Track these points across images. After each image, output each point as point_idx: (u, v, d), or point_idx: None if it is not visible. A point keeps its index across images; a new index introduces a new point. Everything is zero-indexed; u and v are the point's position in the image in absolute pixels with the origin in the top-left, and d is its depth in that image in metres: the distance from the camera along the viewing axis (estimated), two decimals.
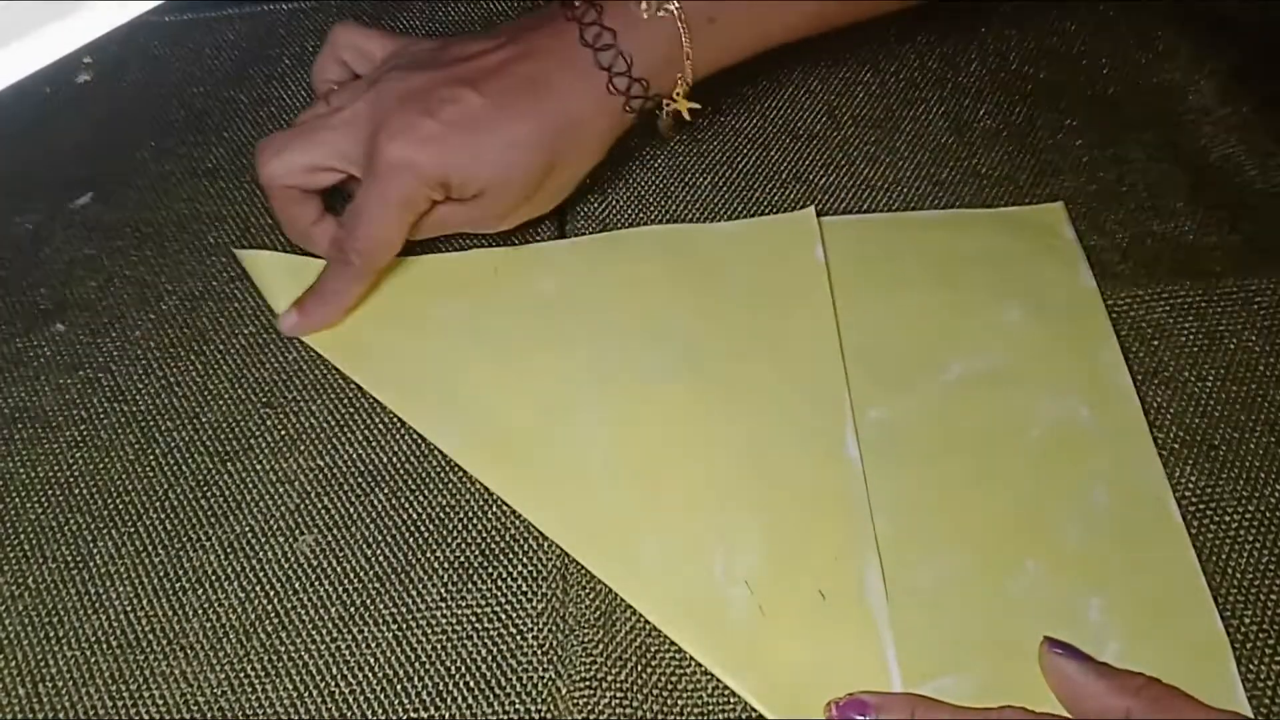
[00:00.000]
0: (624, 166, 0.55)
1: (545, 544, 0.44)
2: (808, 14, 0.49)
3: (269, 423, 0.48)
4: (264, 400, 0.48)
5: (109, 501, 0.45)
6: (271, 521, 0.45)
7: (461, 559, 0.43)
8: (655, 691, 0.40)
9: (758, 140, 0.56)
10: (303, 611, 0.42)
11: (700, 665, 0.40)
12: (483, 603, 0.42)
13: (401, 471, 0.46)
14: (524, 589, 0.43)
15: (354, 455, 0.46)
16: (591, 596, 0.42)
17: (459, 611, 0.42)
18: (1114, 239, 0.51)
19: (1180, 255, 0.51)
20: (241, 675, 0.41)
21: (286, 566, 0.43)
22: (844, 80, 0.59)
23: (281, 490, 0.46)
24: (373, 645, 0.41)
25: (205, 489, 0.46)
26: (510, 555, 0.43)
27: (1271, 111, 0.55)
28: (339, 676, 0.41)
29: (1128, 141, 0.55)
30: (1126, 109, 0.57)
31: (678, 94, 0.49)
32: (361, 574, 0.43)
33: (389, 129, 0.45)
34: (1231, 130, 0.55)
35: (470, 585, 0.43)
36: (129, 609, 0.43)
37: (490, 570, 0.43)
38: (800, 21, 0.49)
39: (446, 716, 0.40)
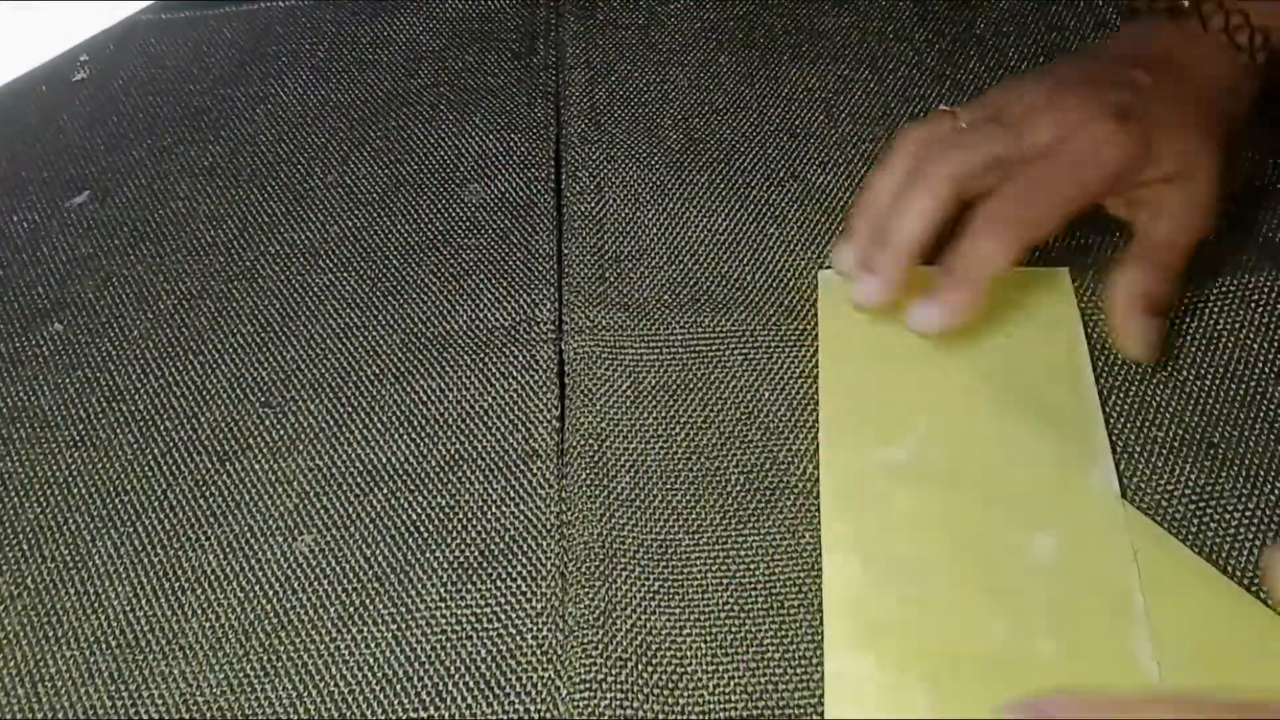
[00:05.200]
0: (621, 164, 0.55)
1: (544, 544, 0.44)
2: None
3: (268, 423, 0.47)
4: (263, 400, 0.48)
5: (107, 501, 0.45)
6: (270, 521, 0.45)
7: (461, 559, 0.43)
8: (655, 691, 0.40)
9: (754, 139, 0.56)
10: (302, 611, 0.42)
11: (700, 665, 0.40)
12: (482, 603, 0.42)
13: (401, 471, 0.46)
14: (523, 589, 0.43)
15: (353, 455, 0.46)
16: (591, 596, 0.42)
17: (458, 611, 0.42)
18: (1111, 237, 0.51)
19: None
20: (241, 675, 0.41)
21: (286, 566, 0.43)
22: (841, 78, 0.59)
23: (280, 490, 0.45)
24: (372, 645, 0.41)
25: (204, 489, 0.46)
26: (510, 555, 0.43)
27: (1271, 107, 0.55)
28: (338, 676, 0.41)
29: None
30: None
31: None
32: (361, 574, 0.43)
33: (1081, 102, 0.44)
34: None
35: (470, 585, 0.43)
36: (128, 609, 0.43)
37: (490, 570, 0.43)
38: None
39: (446, 716, 0.40)
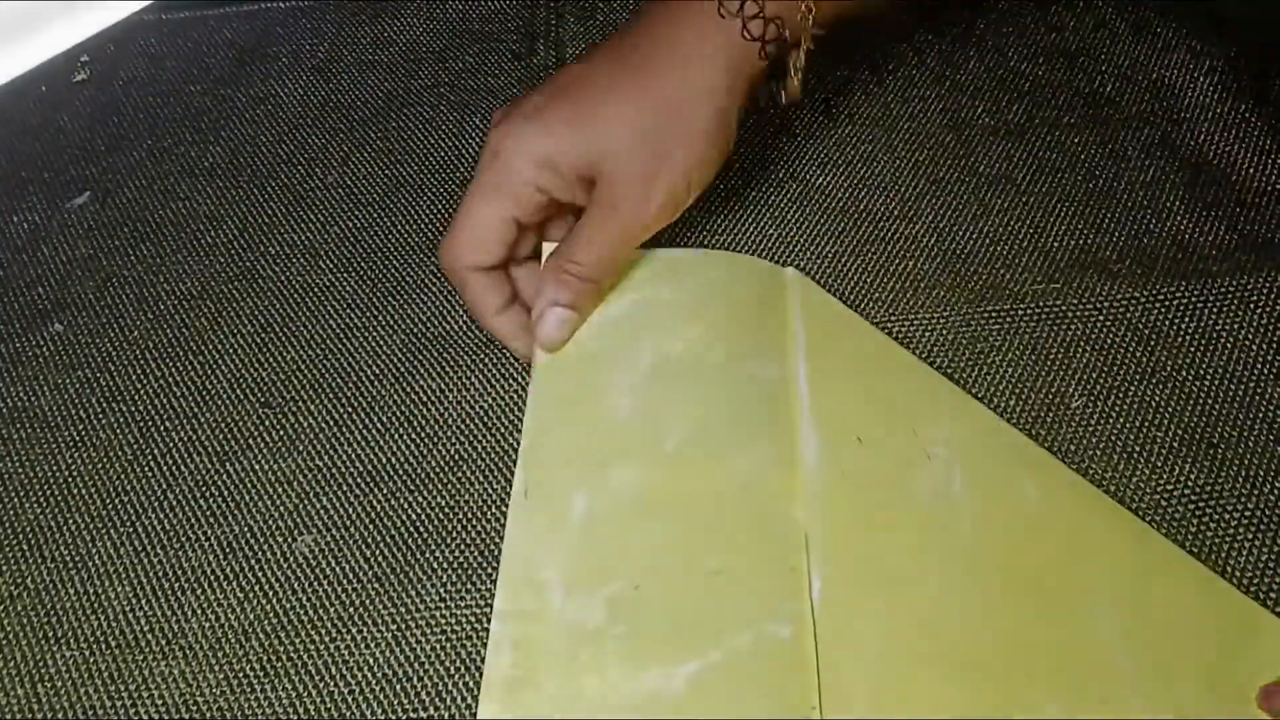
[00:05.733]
0: None
1: None
2: None
3: (268, 423, 0.47)
4: (262, 400, 0.48)
5: (107, 501, 0.45)
6: (270, 522, 0.45)
7: (461, 559, 0.43)
8: None
9: (754, 139, 0.56)
10: (302, 612, 0.42)
11: None
12: (482, 603, 0.42)
13: (401, 471, 0.46)
14: None
15: (353, 455, 0.46)
16: None
17: (459, 612, 0.42)
18: (1111, 237, 0.51)
19: (1177, 254, 0.51)
20: (240, 675, 0.41)
21: (285, 567, 0.43)
22: (841, 78, 0.59)
23: (280, 490, 0.45)
24: (372, 645, 0.41)
25: (204, 489, 0.46)
26: None
27: (1269, 108, 0.55)
28: (338, 676, 0.41)
29: (1125, 139, 0.55)
30: (1124, 106, 0.57)
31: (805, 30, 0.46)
32: (361, 574, 0.43)
33: (497, 112, 0.45)
34: (1229, 128, 0.55)
35: (470, 586, 0.43)
36: (128, 609, 0.43)
37: (490, 571, 0.43)
38: None
39: (446, 716, 0.40)
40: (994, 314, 0.49)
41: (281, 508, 0.45)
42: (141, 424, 0.48)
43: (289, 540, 0.44)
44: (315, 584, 0.43)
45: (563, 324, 0.44)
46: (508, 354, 0.49)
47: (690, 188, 0.45)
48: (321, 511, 0.45)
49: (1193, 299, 0.49)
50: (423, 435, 0.47)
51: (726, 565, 0.40)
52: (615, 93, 0.43)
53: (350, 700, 0.40)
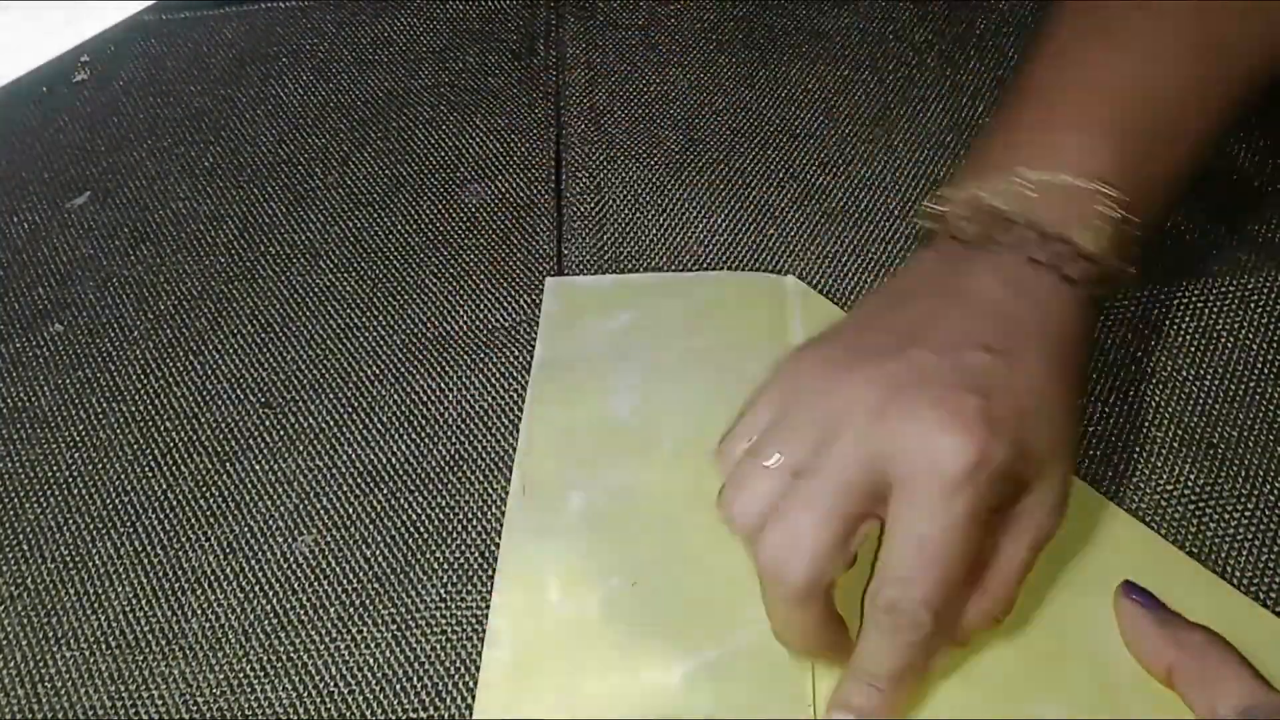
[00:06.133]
0: (621, 165, 0.55)
1: None
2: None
3: (268, 423, 0.48)
4: (263, 401, 0.48)
5: (108, 502, 0.45)
6: (271, 522, 0.45)
7: (461, 560, 0.43)
8: None
9: (755, 139, 0.56)
10: (302, 612, 0.42)
11: None
12: (483, 604, 0.42)
13: (401, 472, 0.46)
14: None
15: (353, 455, 0.46)
16: None
17: (458, 612, 0.42)
18: None
19: (1177, 254, 0.51)
20: (241, 675, 0.41)
21: (286, 567, 0.44)
22: (842, 79, 0.59)
23: (281, 490, 0.46)
24: (372, 645, 0.41)
25: (204, 489, 0.46)
26: None
27: (1270, 110, 0.55)
28: (338, 676, 0.41)
29: None
30: None
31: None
32: (361, 574, 0.43)
33: (925, 416, 0.33)
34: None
35: (470, 586, 0.43)
36: (128, 609, 0.43)
37: (490, 571, 0.43)
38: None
39: (446, 716, 0.40)
40: None
41: (282, 508, 0.45)
42: (142, 424, 0.48)
43: (289, 540, 0.44)
44: (315, 584, 0.43)
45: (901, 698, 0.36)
46: (508, 354, 0.49)
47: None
48: (322, 511, 0.45)
49: (1192, 298, 0.49)
50: (423, 435, 0.47)
51: (723, 564, 0.40)
52: (1014, 383, 0.35)
53: (350, 700, 0.40)
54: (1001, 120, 0.41)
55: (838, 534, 0.33)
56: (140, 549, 0.44)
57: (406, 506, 0.45)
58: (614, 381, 0.45)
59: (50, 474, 0.46)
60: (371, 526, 0.44)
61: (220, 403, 0.48)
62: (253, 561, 0.44)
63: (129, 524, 0.45)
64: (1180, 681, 0.36)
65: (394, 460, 0.46)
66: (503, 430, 0.47)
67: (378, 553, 0.44)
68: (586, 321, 0.49)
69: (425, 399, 0.48)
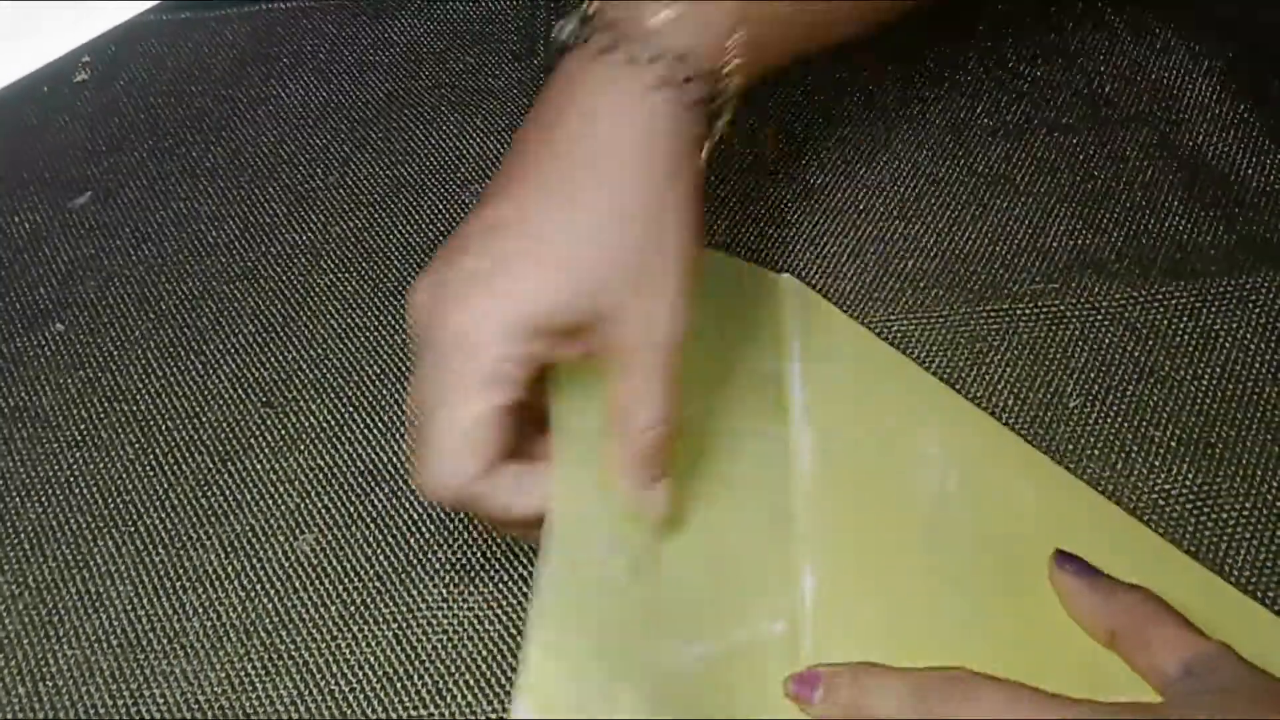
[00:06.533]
0: None
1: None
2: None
3: (269, 422, 0.48)
4: (264, 400, 0.48)
5: (109, 501, 0.46)
6: (271, 521, 0.45)
7: (462, 560, 0.43)
8: None
9: (754, 139, 0.57)
10: (303, 611, 0.43)
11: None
12: (484, 604, 0.42)
13: (402, 471, 0.46)
14: (524, 590, 0.43)
15: (354, 455, 0.46)
16: None
17: (460, 612, 0.42)
18: (1109, 237, 0.52)
19: (1176, 254, 0.51)
20: (241, 675, 0.41)
21: (287, 566, 0.44)
22: (841, 78, 0.59)
23: (281, 490, 0.46)
24: (373, 645, 0.42)
25: (205, 489, 0.46)
26: (511, 556, 0.44)
27: (1268, 109, 0.55)
28: (339, 676, 0.41)
29: (1124, 140, 0.55)
30: (1123, 107, 0.57)
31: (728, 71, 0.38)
32: (361, 574, 0.43)
33: (421, 294, 0.36)
34: (1228, 128, 0.55)
35: (471, 586, 0.43)
36: (129, 608, 0.43)
37: (491, 571, 0.43)
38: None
39: (447, 716, 0.40)
40: (992, 314, 0.49)
41: (283, 507, 0.45)
42: (143, 423, 0.48)
43: (290, 539, 0.44)
44: (316, 583, 0.43)
45: (668, 494, 0.38)
46: None
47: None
48: (323, 511, 0.45)
49: (1191, 299, 0.49)
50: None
51: (723, 557, 0.40)
52: (568, 222, 0.36)
53: (351, 699, 0.40)
54: None
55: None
56: (141, 548, 0.44)
57: (407, 506, 0.45)
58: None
59: (52, 473, 0.46)
60: (372, 526, 0.45)
61: (221, 402, 0.48)
62: (254, 560, 0.44)
63: (130, 523, 0.45)
64: (1122, 645, 0.37)
65: (395, 460, 0.46)
66: None
67: (379, 552, 0.44)
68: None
69: None
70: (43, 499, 0.46)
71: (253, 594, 0.43)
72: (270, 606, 0.43)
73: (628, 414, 0.37)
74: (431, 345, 0.36)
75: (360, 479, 0.46)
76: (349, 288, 0.52)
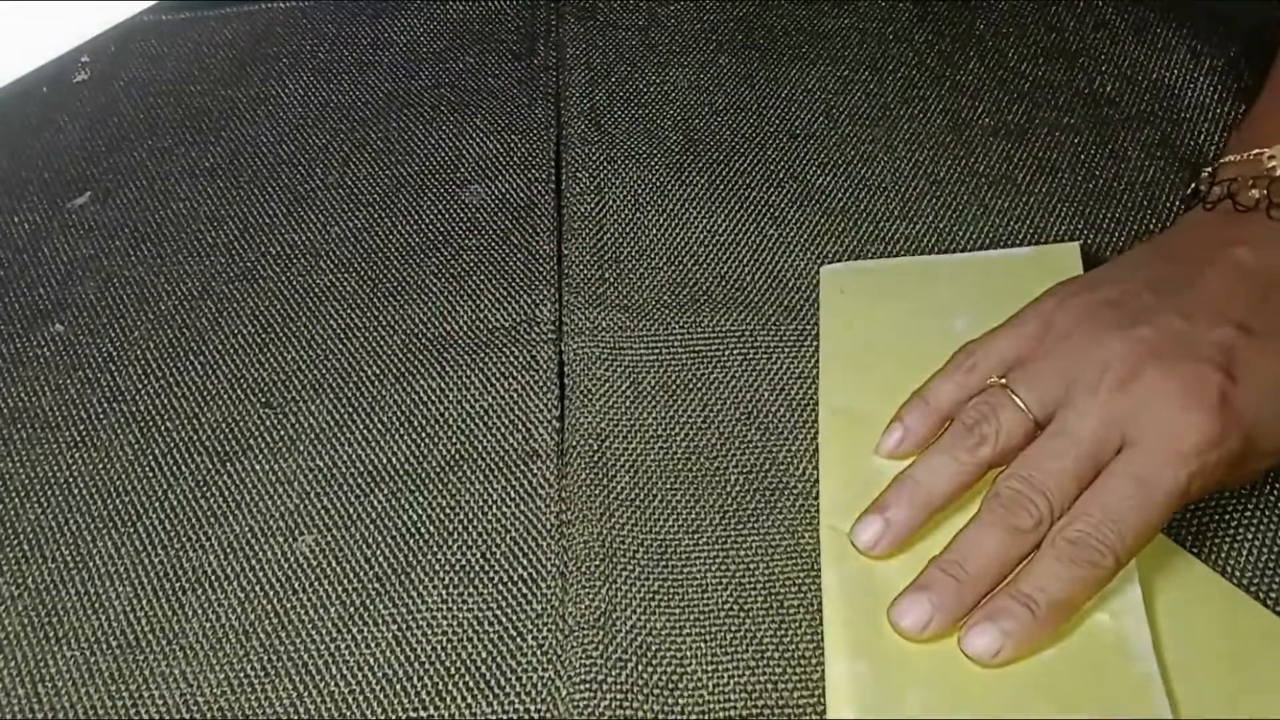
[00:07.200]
0: (621, 165, 0.56)
1: (545, 544, 0.44)
2: None
3: (268, 423, 0.48)
4: (263, 400, 0.48)
5: (108, 502, 0.45)
6: (271, 522, 0.45)
7: (462, 560, 0.43)
8: (655, 691, 0.40)
9: (754, 139, 0.57)
10: (302, 612, 0.42)
11: (700, 665, 0.40)
12: (483, 604, 0.42)
13: (401, 472, 0.46)
14: (524, 590, 0.43)
15: (354, 455, 0.46)
16: (591, 597, 0.42)
17: (459, 613, 0.42)
18: (1110, 237, 0.51)
19: None
20: (241, 675, 0.41)
21: (286, 567, 0.44)
22: (841, 79, 0.59)
23: (281, 490, 0.46)
24: (373, 645, 0.42)
25: (204, 489, 0.46)
26: (511, 557, 0.43)
27: None
28: (339, 676, 0.41)
29: (1125, 139, 0.55)
30: (1124, 106, 0.57)
31: None
32: (361, 574, 0.43)
33: (1171, 388, 0.36)
34: (1229, 128, 0.55)
35: (471, 587, 0.43)
36: (128, 609, 0.43)
37: (491, 572, 0.43)
38: None
39: (446, 717, 0.40)
40: None
41: (282, 508, 0.45)
42: (142, 424, 0.48)
43: (289, 540, 0.44)
44: (316, 584, 0.43)
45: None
46: (508, 354, 0.49)
47: None
48: (322, 511, 0.45)
49: None
50: (423, 435, 0.47)
51: None
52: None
53: (350, 700, 0.40)
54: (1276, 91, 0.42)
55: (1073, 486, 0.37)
56: (141, 549, 0.44)
57: (407, 506, 0.45)
58: (905, 370, 0.44)
59: (51, 474, 0.46)
60: (372, 526, 0.44)
61: (221, 402, 0.48)
62: (253, 561, 0.44)
63: (129, 524, 0.45)
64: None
65: (394, 460, 0.46)
66: (503, 430, 0.47)
67: (378, 553, 0.44)
68: (873, 309, 0.48)
69: (425, 399, 0.48)
70: (42, 499, 0.46)
71: (252, 595, 0.43)
72: (269, 607, 0.43)
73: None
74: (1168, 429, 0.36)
75: (360, 479, 0.46)
76: (349, 287, 0.52)
